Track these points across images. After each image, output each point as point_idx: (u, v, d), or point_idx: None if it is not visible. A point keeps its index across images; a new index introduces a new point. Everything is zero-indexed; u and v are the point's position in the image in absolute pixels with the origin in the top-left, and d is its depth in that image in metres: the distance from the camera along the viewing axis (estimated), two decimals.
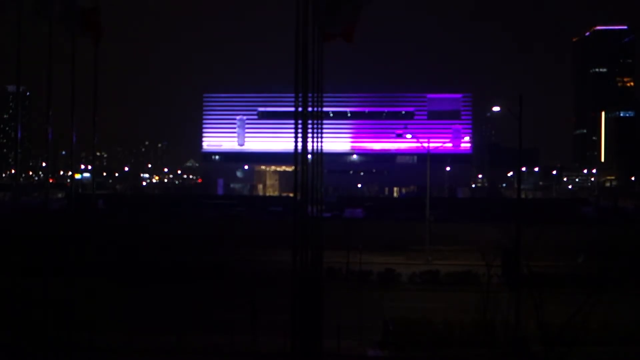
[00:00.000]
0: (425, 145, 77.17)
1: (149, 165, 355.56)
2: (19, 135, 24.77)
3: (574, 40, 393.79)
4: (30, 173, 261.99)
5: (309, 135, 22.16)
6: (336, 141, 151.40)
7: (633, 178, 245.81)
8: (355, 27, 22.58)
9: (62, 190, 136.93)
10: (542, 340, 22.64)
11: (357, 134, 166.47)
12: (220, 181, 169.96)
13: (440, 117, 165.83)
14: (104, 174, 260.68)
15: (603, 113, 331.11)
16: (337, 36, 22.75)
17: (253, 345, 32.58)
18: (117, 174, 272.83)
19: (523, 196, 50.13)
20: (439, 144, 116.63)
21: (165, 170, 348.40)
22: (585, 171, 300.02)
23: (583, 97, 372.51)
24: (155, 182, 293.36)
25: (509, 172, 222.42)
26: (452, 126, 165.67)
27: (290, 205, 26.25)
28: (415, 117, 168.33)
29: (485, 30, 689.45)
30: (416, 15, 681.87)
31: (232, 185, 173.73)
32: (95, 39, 23.71)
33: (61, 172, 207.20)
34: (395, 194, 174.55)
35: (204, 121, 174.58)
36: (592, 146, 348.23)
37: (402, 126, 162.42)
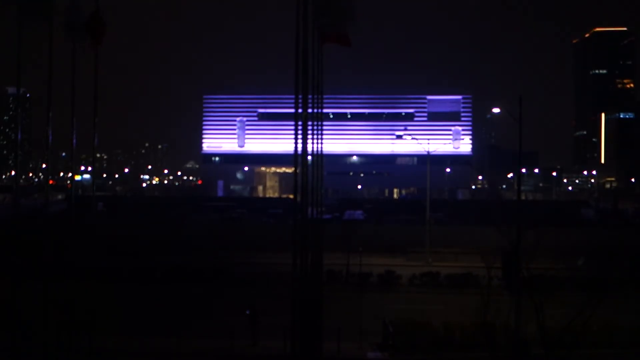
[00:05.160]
0: (425, 147, 77.18)
1: (149, 167, 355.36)
2: (19, 137, 24.75)
3: (574, 42, 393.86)
4: (31, 175, 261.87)
5: (309, 136, 22.17)
6: (336, 143, 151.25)
7: (633, 180, 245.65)
8: (348, 32, 22.63)
9: (62, 192, 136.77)
10: (542, 343, 22.62)
11: (357, 136, 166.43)
12: (220, 183, 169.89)
13: (440, 118, 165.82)
14: (104, 175, 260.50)
15: (603, 115, 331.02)
16: (334, 41, 22.80)
17: (253, 348, 32.58)
18: (117, 176, 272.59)
19: (523, 198, 49.95)
20: (439, 145, 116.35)
21: (165, 171, 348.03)
22: (585, 173, 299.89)
23: (583, 99, 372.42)
24: (155, 184, 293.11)
25: (509, 174, 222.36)
26: (452, 128, 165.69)
27: (290, 207, 26.24)
28: (415, 118, 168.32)
29: (485, 31, 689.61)
30: (416, 17, 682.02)
31: (232, 187, 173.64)
32: (96, 45, 23.73)
33: (61, 174, 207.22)
34: (395, 196, 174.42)
35: (204, 123, 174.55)
36: (592, 148, 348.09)
37: (402, 128, 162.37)
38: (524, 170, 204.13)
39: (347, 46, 22.84)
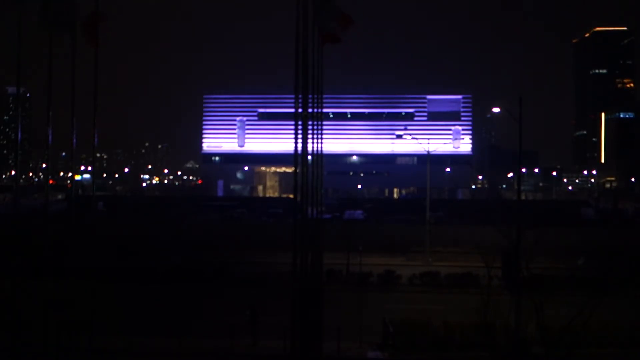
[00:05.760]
0: (425, 146, 77.16)
1: (149, 167, 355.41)
2: (19, 137, 24.71)
3: (574, 41, 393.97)
4: (31, 174, 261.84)
5: (309, 136, 22.15)
6: (336, 142, 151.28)
7: (633, 179, 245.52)
8: (343, 28, 22.55)
9: (62, 191, 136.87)
10: (542, 343, 22.64)
11: (357, 136, 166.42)
12: (220, 182, 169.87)
13: (440, 118, 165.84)
14: (104, 175, 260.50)
15: (603, 114, 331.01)
16: (331, 38, 22.73)
17: (253, 348, 32.58)
18: (117, 176, 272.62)
19: (523, 198, 49.99)
20: (439, 145, 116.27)
21: (166, 171, 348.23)
22: (585, 172, 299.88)
23: (583, 99, 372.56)
24: (156, 184, 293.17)
25: (509, 174, 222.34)
26: (452, 127, 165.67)
27: (290, 206, 26.23)
28: (415, 118, 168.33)
29: (485, 31, 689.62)
30: (416, 17, 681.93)
31: (232, 187, 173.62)
32: (95, 44, 23.71)
33: (61, 174, 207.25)
34: (395, 196, 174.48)
35: (204, 122, 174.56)
36: (592, 147, 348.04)
37: (402, 127, 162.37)
38: (524, 170, 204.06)
39: (336, 42, 22.67)
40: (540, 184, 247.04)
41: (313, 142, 22.89)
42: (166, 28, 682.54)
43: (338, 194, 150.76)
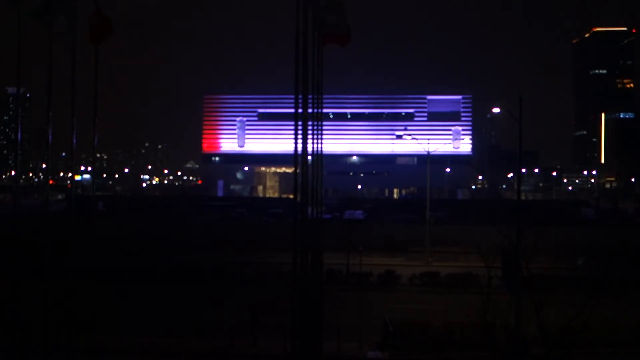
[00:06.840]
0: (425, 147, 77.17)
1: (149, 167, 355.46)
2: (19, 137, 24.77)
3: (574, 41, 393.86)
4: (31, 174, 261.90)
5: (309, 136, 22.17)
6: (336, 143, 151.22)
7: (633, 179, 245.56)
8: (348, 31, 22.63)
9: (62, 191, 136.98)
10: (542, 343, 22.63)
11: (357, 136, 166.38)
12: (220, 183, 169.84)
13: (440, 118, 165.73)
14: (104, 175, 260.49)
15: (603, 114, 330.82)
16: (333, 40, 22.80)
17: (253, 348, 32.60)
18: (117, 176, 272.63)
19: (523, 198, 49.99)
20: (439, 145, 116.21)
21: (166, 171, 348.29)
22: (585, 173, 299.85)
23: (583, 99, 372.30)
24: (156, 184, 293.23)
25: (509, 174, 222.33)
26: (452, 128, 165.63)
27: (290, 207, 26.26)
28: (415, 118, 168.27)
29: (485, 31, 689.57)
30: (416, 17, 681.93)
31: (232, 187, 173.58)
32: (97, 43, 23.75)
33: (61, 174, 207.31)
34: (395, 196, 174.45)
35: (204, 123, 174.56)
36: (592, 148, 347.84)
37: (402, 127, 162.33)
38: (524, 170, 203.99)
39: (343, 45, 22.77)
40: (540, 184, 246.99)
41: (313, 143, 22.92)
42: (166, 28, 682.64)
43: (338, 194, 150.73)
